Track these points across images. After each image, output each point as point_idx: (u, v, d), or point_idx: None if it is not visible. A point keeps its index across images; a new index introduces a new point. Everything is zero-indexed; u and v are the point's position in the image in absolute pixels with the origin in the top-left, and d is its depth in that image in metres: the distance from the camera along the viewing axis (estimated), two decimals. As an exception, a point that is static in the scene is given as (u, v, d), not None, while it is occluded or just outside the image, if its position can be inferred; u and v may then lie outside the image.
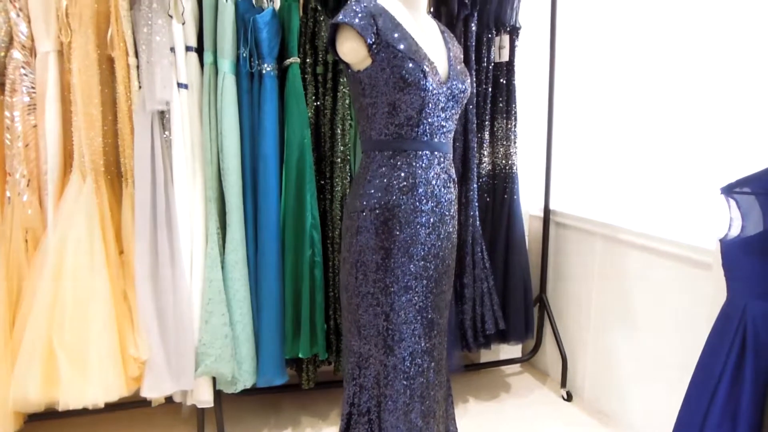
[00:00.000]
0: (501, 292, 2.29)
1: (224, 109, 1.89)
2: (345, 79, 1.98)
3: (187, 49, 1.88)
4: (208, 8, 1.86)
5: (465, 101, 1.38)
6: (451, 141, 1.38)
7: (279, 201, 1.98)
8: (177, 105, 1.86)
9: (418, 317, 1.32)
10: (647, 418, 2.05)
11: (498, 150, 2.27)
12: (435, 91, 1.27)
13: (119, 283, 1.85)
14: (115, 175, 1.95)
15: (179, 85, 1.86)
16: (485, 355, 2.56)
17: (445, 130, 1.33)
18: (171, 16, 1.80)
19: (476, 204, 2.18)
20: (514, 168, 2.28)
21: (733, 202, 1.49)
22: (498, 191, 2.29)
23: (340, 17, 1.25)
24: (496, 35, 2.20)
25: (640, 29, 2.62)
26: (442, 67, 1.34)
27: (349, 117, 2.01)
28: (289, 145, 1.98)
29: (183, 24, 1.84)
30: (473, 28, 2.12)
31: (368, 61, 1.26)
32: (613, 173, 2.54)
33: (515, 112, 2.26)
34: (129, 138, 1.88)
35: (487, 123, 2.23)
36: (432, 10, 2.12)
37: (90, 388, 1.73)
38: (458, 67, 1.38)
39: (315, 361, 2.09)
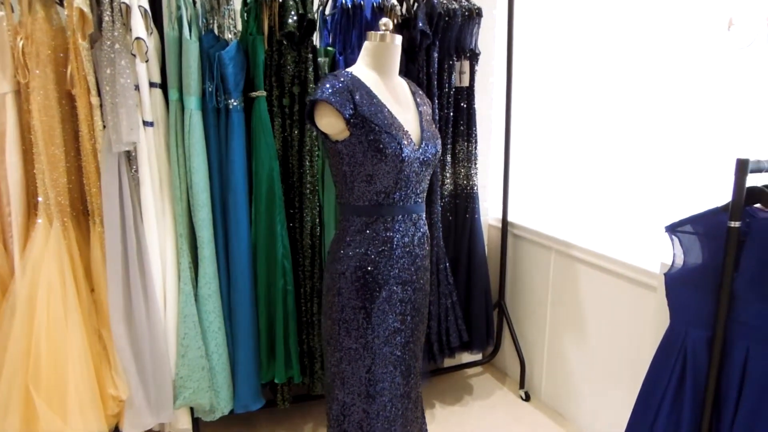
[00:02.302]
0: (464, 305, 2.42)
1: (192, 147, 1.89)
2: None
3: (151, 85, 1.86)
4: (171, 46, 1.84)
5: (436, 162, 1.46)
6: (425, 198, 1.46)
7: (250, 233, 2.02)
8: (143, 143, 1.85)
9: (398, 365, 1.41)
10: (596, 420, 2.25)
11: (459, 171, 2.37)
12: (410, 159, 1.34)
13: (92, 322, 1.86)
14: (80, 212, 1.93)
15: (145, 123, 1.85)
16: (449, 360, 2.71)
17: (419, 191, 1.41)
18: (134, 55, 1.77)
19: (440, 224, 2.28)
20: (475, 188, 2.38)
21: (676, 240, 1.63)
22: (460, 210, 2.39)
23: (318, 94, 1.29)
24: (457, 60, 2.26)
25: (592, 55, 2.76)
26: (415, 134, 1.41)
27: (316, 149, 2.04)
28: (257, 178, 2.01)
29: (146, 62, 1.82)
30: (435, 56, 2.17)
31: (346, 134, 1.31)
32: (571, 193, 2.70)
33: (475, 135, 2.35)
34: (94, 177, 1.86)
35: (449, 146, 2.31)
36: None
37: (69, 429, 1.75)
38: (430, 130, 1.45)
39: (290, 383, 2.17)
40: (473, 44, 2.28)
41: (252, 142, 2.00)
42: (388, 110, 1.33)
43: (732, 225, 1.47)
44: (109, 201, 1.81)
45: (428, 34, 2.09)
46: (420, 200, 1.42)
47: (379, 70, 1.38)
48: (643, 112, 2.79)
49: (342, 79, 1.30)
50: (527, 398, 2.58)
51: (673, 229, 1.64)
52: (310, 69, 1.99)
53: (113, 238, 1.82)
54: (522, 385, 2.62)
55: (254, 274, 2.04)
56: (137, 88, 1.81)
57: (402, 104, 1.42)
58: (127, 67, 1.75)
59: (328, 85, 1.29)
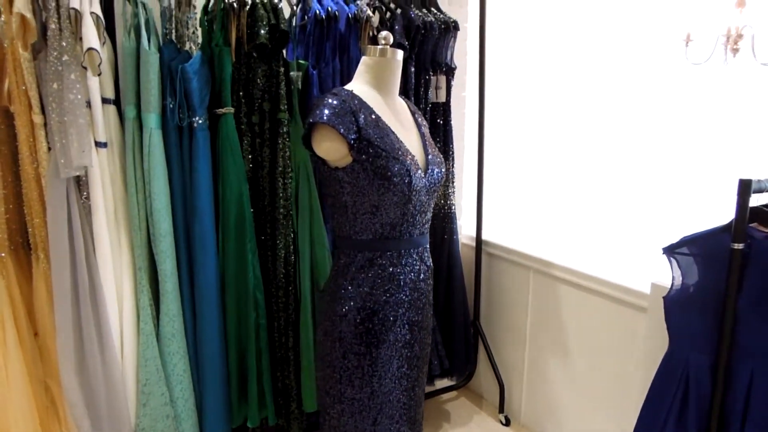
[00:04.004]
0: (443, 330, 2.31)
1: (153, 169, 1.69)
2: (285, 130, 1.86)
3: (104, 101, 1.65)
4: (128, 58, 1.64)
5: (440, 188, 1.34)
6: (429, 227, 1.34)
7: (217, 263, 1.83)
8: (96, 166, 1.63)
9: (404, 414, 1.29)
10: (584, 443, 2.19)
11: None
12: (417, 187, 1.22)
13: (37, 372, 1.61)
14: (20, 246, 1.69)
15: (97, 144, 1.64)
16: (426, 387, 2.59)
17: (425, 221, 1.28)
18: (85, 68, 1.56)
19: (418, 247, 2.17)
20: (453, 208, 2.29)
21: (674, 261, 1.59)
22: (438, 231, 2.29)
23: (318, 116, 1.14)
24: (433, 75, 2.17)
25: (563, 69, 2.74)
26: (420, 159, 1.29)
27: (290, 169, 1.89)
28: (225, 202, 1.83)
29: (99, 75, 1.61)
30: (412, 70, 2.07)
31: (348, 159, 1.17)
32: (547, 211, 2.66)
33: (452, 153, 2.26)
34: (37, 205, 1.63)
35: (425, 164, 2.21)
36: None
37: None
38: (434, 153, 1.33)
39: (262, 425, 1.98)
40: (449, 58, 2.20)
41: (219, 163, 1.82)
42: (394, 134, 1.20)
43: (736, 247, 1.43)
44: (56, 233, 1.58)
45: (405, 47, 1.98)
46: (425, 231, 1.30)
47: (379, 89, 1.25)
48: (618, 129, 2.80)
49: (343, 99, 1.16)
50: (507, 423, 2.49)
51: (671, 250, 1.59)
52: (282, 84, 1.84)
53: (61, 274, 1.59)
54: (501, 409, 2.54)
55: (223, 308, 1.85)
56: (88, 104, 1.60)
57: (405, 126, 1.30)
58: (77, 81, 1.54)
59: (328, 106, 1.14)
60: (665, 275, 1.76)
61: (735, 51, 2.80)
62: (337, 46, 1.93)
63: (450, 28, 2.11)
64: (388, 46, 1.25)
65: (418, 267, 1.28)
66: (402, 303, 1.25)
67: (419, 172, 1.25)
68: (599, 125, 2.80)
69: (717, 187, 3.20)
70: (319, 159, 1.22)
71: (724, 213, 1.58)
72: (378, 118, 1.19)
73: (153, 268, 1.77)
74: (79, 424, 1.60)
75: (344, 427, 1.26)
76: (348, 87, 1.24)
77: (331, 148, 1.16)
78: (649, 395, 1.66)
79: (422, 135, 1.34)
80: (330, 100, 1.16)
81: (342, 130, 1.13)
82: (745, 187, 1.43)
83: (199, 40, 1.84)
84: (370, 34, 1.99)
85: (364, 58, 1.27)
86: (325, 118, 1.13)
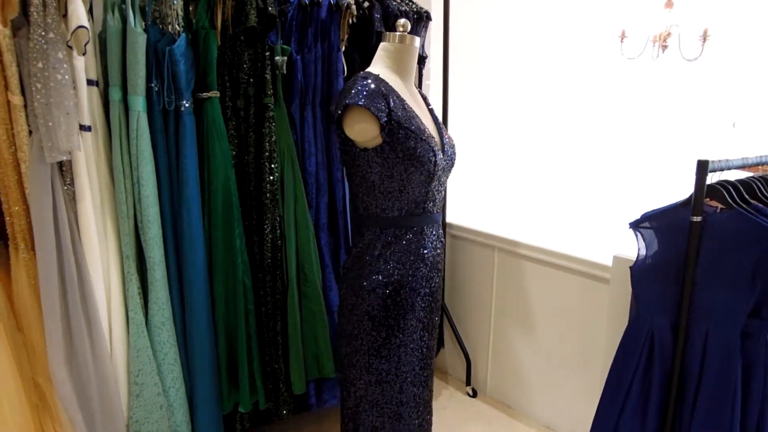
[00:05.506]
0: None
1: (141, 154, 1.64)
2: (270, 115, 1.86)
3: (90, 83, 1.58)
4: (113, 37, 1.58)
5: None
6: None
7: (205, 250, 1.81)
8: (80, 151, 1.56)
9: (425, 382, 1.36)
10: (547, 408, 2.37)
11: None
12: (439, 167, 1.29)
13: (26, 369, 1.53)
14: (-7, 236, 1.58)
15: (82, 127, 1.57)
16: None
17: (441, 198, 1.36)
18: (71, 47, 1.49)
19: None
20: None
21: (639, 235, 1.77)
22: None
23: (355, 98, 1.18)
24: (406, 63, 2.23)
25: (519, 57, 2.90)
26: (437, 138, 1.36)
27: (275, 154, 1.89)
28: (212, 188, 1.80)
29: (83, 55, 1.54)
30: (387, 58, 2.13)
31: (378, 141, 1.21)
32: (504, 193, 2.82)
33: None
34: (16, 193, 1.54)
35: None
36: (347, 38, 2.07)
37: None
38: (447, 136, 1.40)
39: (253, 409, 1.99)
40: (421, 49, 2.27)
41: (205, 148, 1.79)
42: (418, 116, 1.27)
43: (695, 220, 1.62)
44: (41, 221, 1.50)
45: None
46: (440, 208, 1.38)
47: (400, 73, 1.30)
48: (570, 116, 3.00)
49: (375, 82, 1.21)
50: (474, 395, 2.64)
51: (636, 225, 1.76)
52: (267, 68, 1.83)
53: (48, 265, 1.51)
54: (468, 382, 2.68)
55: (211, 296, 1.83)
56: (74, 86, 1.53)
57: (422, 109, 1.36)
58: (64, 60, 1.46)
59: (364, 88, 1.18)
60: (625, 248, 1.96)
61: (664, 48, 3.10)
62: (318, 32, 1.95)
63: (423, 18, 2.19)
64: (407, 33, 1.31)
65: (435, 241, 1.36)
66: (424, 275, 1.32)
67: (439, 151, 1.32)
68: (553, 113, 2.99)
69: (654, 168, 3.54)
70: (347, 140, 1.26)
71: (661, 190, 1.78)
72: (404, 101, 1.25)
73: (140, 256, 1.72)
74: (73, 418, 1.54)
75: (371, 397, 1.32)
76: (372, 71, 1.28)
77: (364, 130, 1.21)
78: (617, 355, 1.83)
79: (435, 118, 1.42)
80: (364, 83, 1.20)
81: (376, 112, 1.18)
82: (703, 167, 1.62)
83: (182, 22, 1.79)
84: (350, 21, 2.02)
85: (383, 44, 1.31)
86: (362, 100, 1.17)
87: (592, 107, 3.30)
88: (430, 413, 1.47)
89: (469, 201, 2.88)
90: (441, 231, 1.42)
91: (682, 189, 1.70)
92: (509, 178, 3.12)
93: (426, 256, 1.32)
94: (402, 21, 1.31)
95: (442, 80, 2.49)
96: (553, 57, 3.13)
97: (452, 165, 1.39)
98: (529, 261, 2.37)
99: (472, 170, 2.93)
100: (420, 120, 1.27)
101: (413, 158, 1.22)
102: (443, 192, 1.39)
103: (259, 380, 1.91)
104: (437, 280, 1.40)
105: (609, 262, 2.01)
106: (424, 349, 1.36)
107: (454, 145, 1.42)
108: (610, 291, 2.00)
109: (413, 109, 1.27)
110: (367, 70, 1.29)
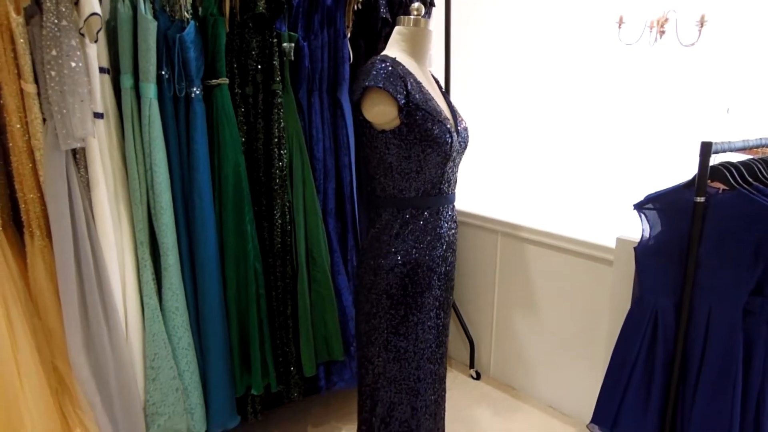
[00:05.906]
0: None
1: (153, 141, 1.66)
2: (279, 101, 1.87)
3: (101, 71, 1.59)
4: (124, 24, 1.59)
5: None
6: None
7: (217, 236, 1.83)
8: (94, 138, 1.58)
9: (440, 359, 1.39)
10: (552, 388, 2.42)
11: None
12: (455, 147, 1.32)
13: (45, 354, 1.55)
14: (6, 223, 1.60)
15: (95, 114, 1.58)
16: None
17: (455, 179, 1.39)
18: (83, 35, 1.49)
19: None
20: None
21: (643, 216, 1.81)
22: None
23: (374, 80, 1.20)
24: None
25: (523, 44, 2.91)
26: (451, 120, 1.38)
27: (284, 141, 1.91)
28: (223, 174, 1.82)
29: (95, 42, 1.55)
30: (392, 44, 2.14)
31: (396, 122, 1.24)
32: (504, 179, 2.85)
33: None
34: (30, 180, 1.55)
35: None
36: (351, 25, 2.08)
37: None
38: (460, 118, 1.43)
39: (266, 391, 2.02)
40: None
41: (215, 134, 1.80)
42: (433, 98, 1.29)
43: (698, 200, 1.65)
44: (57, 209, 1.52)
45: (389, 21, 2.05)
46: (455, 189, 1.41)
47: (415, 56, 1.33)
48: (572, 102, 3.02)
49: (393, 65, 1.23)
50: (478, 377, 2.69)
51: (640, 206, 1.80)
52: (275, 55, 1.85)
53: (65, 252, 1.53)
54: (472, 365, 2.73)
55: (223, 281, 1.86)
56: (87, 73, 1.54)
57: (436, 91, 1.39)
58: (77, 48, 1.47)
59: (382, 70, 1.21)
60: (627, 230, 1.99)
61: (662, 33, 3.13)
62: (324, 18, 1.96)
63: (427, 4, 2.20)
64: (421, 17, 1.33)
65: (450, 221, 1.39)
66: (440, 254, 1.36)
67: (454, 131, 1.35)
68: (553, 98, 3.01)
69: (653, 151, 3.58)
70: (365, 122, 1.29)
71: (659, 173, 1.81)
72: (420, 83, 1.28)
73: (153, 242, 1.74)
74: (92, 401, 1.56)
75: (389, 374, 1.36)
76: (389, 54, 1.30)
77: (382, 112, 1.23)
78: (621, 336, 1.88)
79: (448, 101, 1.44)
80: (382, 65, 1.22)
81: (395, 94, 1.20)
82: (707, 149, 1.65)
83: (191, 9, 1.79)
84: (355, 8, 2.03)
85: (398, 28, 1.34)
86: (381, 82, 1.20)
87: (591, 92, 3.33)
88: (444, 390, 1.52)
89: (471, 185, 2.91)
90: (455, 212, 1.45)
91: (681, 172, 1.73)
92: (510, 163, 3.16)
93: (442, 234, 1.36)
94: (416, 5, 1.33)
95: (444, 66, 2.51)
96: (552, 43, 3.16)
97: (466, 147, 1.42)
98: (531, 244, 2.41)
99: (473, 155, 2.95)
100: (436, 102, 1.30)
101: (430, 139, 1.25)
102: (457, 173, 1.42)
103: (270, 363, 1.95)
104: (452, 260, 1.44)
105: (612, 244, 2.05)
106: (440, 327, 1.40)
107: (467, 128, 1.44)
108: (613, 272, 2.04)
109: (429, 91, 1.30)
110: (383, 53, 1.32)
